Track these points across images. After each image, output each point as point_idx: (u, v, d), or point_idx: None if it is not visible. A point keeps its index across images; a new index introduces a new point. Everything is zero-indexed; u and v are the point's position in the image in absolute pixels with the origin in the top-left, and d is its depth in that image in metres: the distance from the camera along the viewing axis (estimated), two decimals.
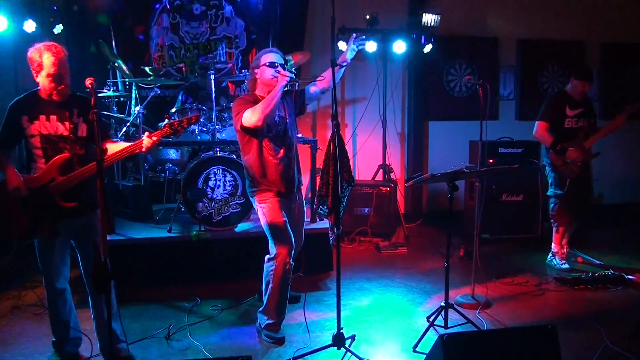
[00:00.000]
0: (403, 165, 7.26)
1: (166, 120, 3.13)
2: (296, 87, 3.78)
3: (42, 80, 3.00)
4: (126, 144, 3.12)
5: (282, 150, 3.58)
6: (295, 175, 3.69)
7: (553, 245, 5.15)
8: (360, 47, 3.61)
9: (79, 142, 3.11)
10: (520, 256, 5.47)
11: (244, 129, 3.49)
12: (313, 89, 3.76)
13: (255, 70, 3.59)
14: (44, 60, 2.95)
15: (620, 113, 4.83)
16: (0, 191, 3.00)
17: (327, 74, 3.46)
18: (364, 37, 3.60)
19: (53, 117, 3.05)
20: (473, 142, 6.16)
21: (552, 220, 5.12)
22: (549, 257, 5.18)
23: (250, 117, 3.38)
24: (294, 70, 5.01)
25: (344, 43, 6.11)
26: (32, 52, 2.98)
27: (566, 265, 5.03)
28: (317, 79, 3.69)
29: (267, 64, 3.53)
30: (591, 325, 3.79)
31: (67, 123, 3.07)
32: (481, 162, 4.42)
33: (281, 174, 3.57)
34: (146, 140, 3.03)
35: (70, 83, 3.08)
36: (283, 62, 3.61)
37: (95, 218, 3.18)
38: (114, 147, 3.12)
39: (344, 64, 3.56)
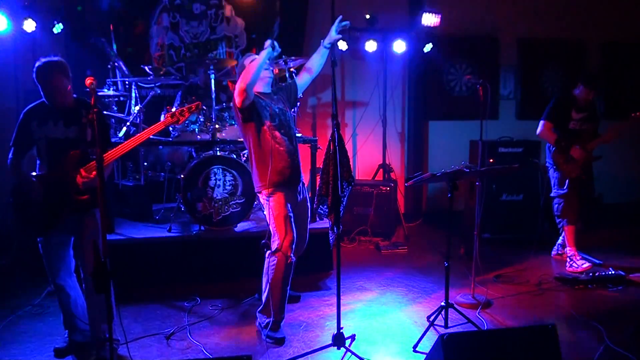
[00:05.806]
0: (403, 164, 7.26)
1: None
2: (288, 79, 3.92)
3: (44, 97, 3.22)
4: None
5: (287, 139, 3.68)
6: (299, 164, 3.79)
7: (568, 249, 5.04)
8: (343, 25, 3.54)
9: (86, 146, 3.20)
10: (521, 256, 5.44)
11: (244, 112, 3.53)
12: (303, 76, 3.90)
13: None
14: (41, 86, 3.16)
15: (623, 121, 4.88)
16: (20, 189, 3.23)
17: (312, 62, 3.81)
18: (347, 22, 3.58)
19: (60, 122, 3.22)
20: (473, 141, 6.16)
21: (559, 220, 5.08)
22: (567, 264, 5.02)
23: (239, 83, 3.44)
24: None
25: (344, 42, 6.12)
26: (34, 74, 3.15)
27: (587, 264, 4.94)
28: (304, 68, 3.91)
29: (251, 60, 3.66)
30: (591, 325, 3.79)
31: (73, 127, 3.22)
32: (481, 162, 4.43)
33: (288, 161, 3.64)
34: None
35: (73, 85, 3.24)
36: None
37: (95, 217, 3.29)
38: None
39: (327, 44, 3.64)
